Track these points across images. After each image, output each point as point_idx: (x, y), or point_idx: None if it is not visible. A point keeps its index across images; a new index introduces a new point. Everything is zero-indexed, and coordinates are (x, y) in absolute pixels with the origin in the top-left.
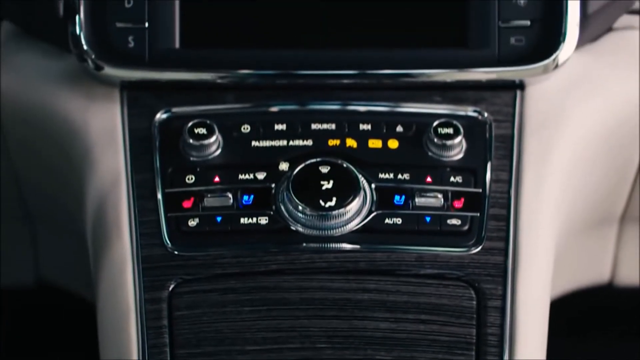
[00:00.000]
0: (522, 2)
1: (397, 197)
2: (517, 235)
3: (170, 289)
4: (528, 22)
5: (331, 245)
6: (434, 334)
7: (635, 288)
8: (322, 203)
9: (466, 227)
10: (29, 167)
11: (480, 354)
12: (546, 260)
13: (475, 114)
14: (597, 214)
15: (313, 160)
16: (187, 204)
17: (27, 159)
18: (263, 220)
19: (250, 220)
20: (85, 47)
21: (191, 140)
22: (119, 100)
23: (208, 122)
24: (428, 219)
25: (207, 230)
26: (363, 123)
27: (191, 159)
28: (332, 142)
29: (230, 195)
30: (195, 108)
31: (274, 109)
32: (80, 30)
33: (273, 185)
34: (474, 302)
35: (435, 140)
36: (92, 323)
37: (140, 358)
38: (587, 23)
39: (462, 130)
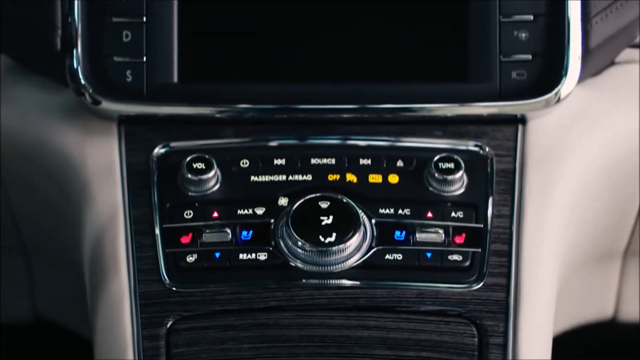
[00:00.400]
0: (523, 35)
1: (397, 233)
2: (519, 272)
3: (168, 325)
4: (529, 56)
5: (331, 281)
6: None
7: (638, 324)
8: (321, 239)
9: (467, 263)
10: (26, 201)
11: None
12: (548, 296)
13: (476, 149)
14: (600, 249)
15: (313, 196)
16: (185, 239)
17: (24, 193)
18: (262, 256)
19: (249, 256)
20: (82, 81)
21: (189, 175)
22: (117, 134)
23: (207, 156)
24: (429, 254)
25: (205, 266)
26: (363, 158)
27: (189, 194)
28: (332, 177)
29: (229, 231)
30: (194, 142)
31: (273, 143)
32: (77, 64)
33: (272, 220)
34: (476, 340)
35: (436, 175)
36: None
37: None
38: (589, 57)
39: (463, 164)
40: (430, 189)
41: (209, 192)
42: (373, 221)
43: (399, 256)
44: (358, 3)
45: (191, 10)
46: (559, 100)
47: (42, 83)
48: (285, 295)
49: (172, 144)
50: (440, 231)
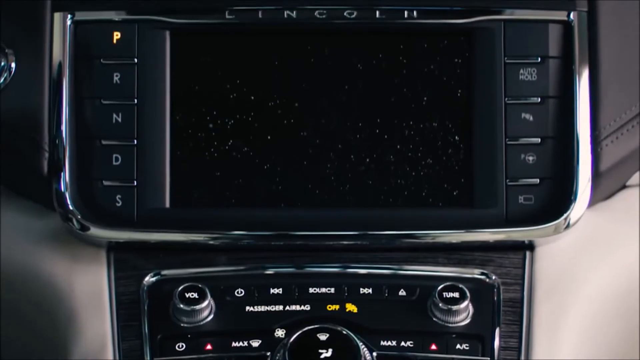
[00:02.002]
0: (530, 159)
1: None
2: None
3: None
4: (537, 180)
5: None
6: None
7: None
8: None
9: None
10: (10, 329)
11: None
12: None
13: (482, 277)
14: None
15: (311, 327)
16: None
17: (9, 321)
18: None
19: None
20: (70, 206)
21: (182, 305)
22: (106, 262)
23: (200, 285)
24: None
25: None
26: (363, 287)
27: (182, 325)
28: (331, 307)
29: None
30: (186, 271)
31: (270, 271)
32: (65, 188)
33: (268, 353)
34: None
35: (440, 305)
36: None
37: None
38: (600, 181)
39: (468, 294)
40: (434, 319)
41: (202, 322)
42: (374, 354)
43: None
44: (357, 125)
45: (184, 131)
46: (568, 225)
47: (29, 207)
48: None
49: (164, 272)
50: None
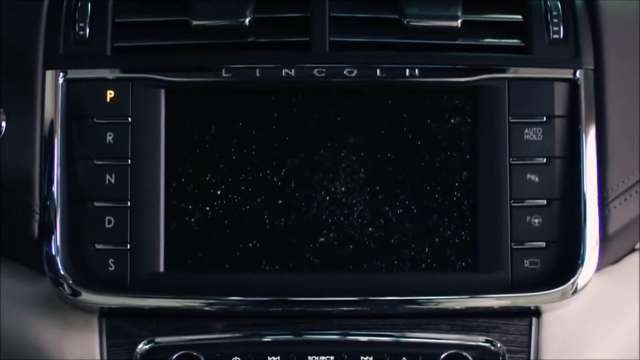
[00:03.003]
0: (536, 221)
1: None
2: None
3: None
4: (543, 244)
5: None
6: None
7: None
8: None
9: None
10: None
11: None
12: None
13: (487, 344)
14: None
15: None
16: None
17: None
18: None
19: None
20: (61, 270)
21: None
22: (98, 328)
23: (195, 354)
24: None
25: None
26: (364, 355)
27: None
28: None
29: None
30: (181, 338)
31: (267, 339)
32: (55, 252)
33: None
34: None
35: None
36: None
37: None
38: (608, 244)
39: None
40: None
41: None
42: None
43: None
44: (357, 187)
45: (179, 193)
46: (575, 291)
47: (19, 271)
48: None
49: (158, 340)
50: None
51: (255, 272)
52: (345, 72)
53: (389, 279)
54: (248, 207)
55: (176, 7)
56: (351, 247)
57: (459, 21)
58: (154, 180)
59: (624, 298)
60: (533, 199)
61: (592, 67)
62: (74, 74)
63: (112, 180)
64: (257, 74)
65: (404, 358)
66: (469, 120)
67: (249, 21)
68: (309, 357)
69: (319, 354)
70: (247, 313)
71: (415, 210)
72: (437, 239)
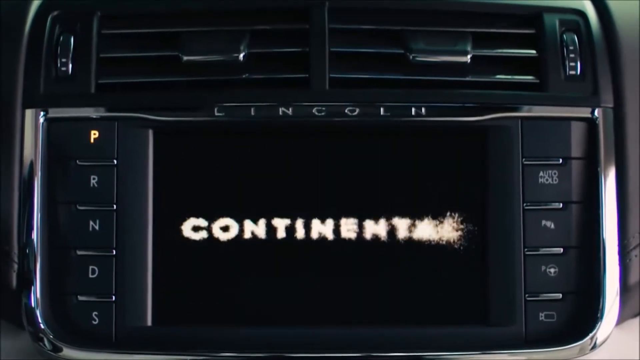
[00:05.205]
0: (552, 271)
1: None
2: None
3: None
4: (560, 295)
5: None
6: None
7: None
8: None
9: None
10: None
11: None
12: None
13: None
14: None
15: None
16: None
17: None
18: None
19: None
20: (41, 324)
21: None
22: None
23: None
24: None
25: None
26: None
27: None
28: None
29: None
30: None
31: None
32: (35, 304)
33: None
34: None
35: None
36: None
37: None
38: (629, 295)
39: None
40: None
41: None
42: None
43: None
44: (359, 235)
45: (167, 241)
46: (594, 346)
47: None
48: None
49: None
50: None
51: (249, 327)
52: (346, 111)
53: (395, 333)
54: (240, 256)
55: (165, 41)
56: (353, 298)
57: (469, 56)
58: (140, 227)
59: None
60: (548, 247)
61: (611, 105)
62: (55, 112)
63: (96, 227)
64: (252, 113)
65: None
66: (480, 162)
67: (244, 56)
68: None
69: None
70: None
71: (421, 259)
72: (445, 290)
